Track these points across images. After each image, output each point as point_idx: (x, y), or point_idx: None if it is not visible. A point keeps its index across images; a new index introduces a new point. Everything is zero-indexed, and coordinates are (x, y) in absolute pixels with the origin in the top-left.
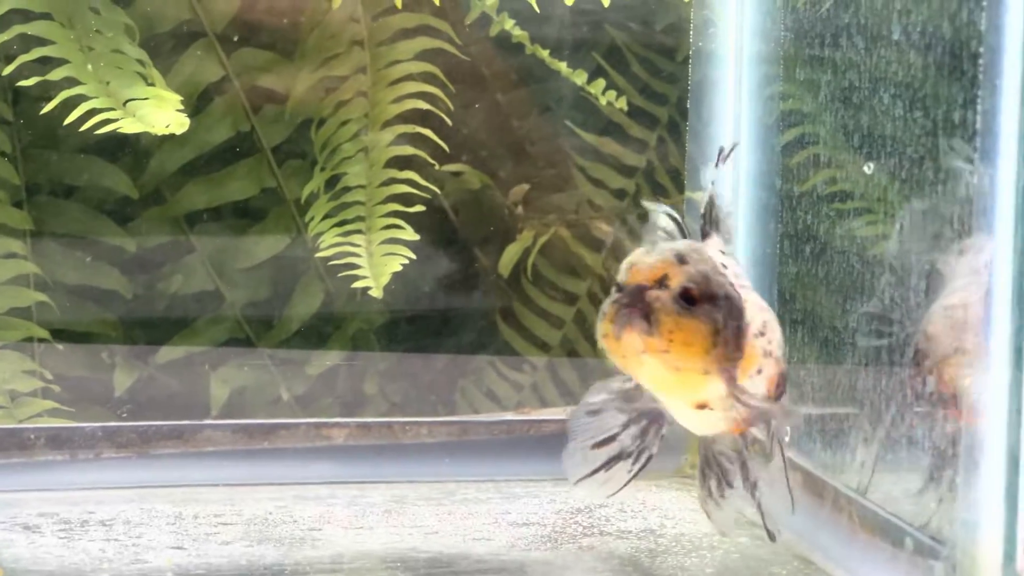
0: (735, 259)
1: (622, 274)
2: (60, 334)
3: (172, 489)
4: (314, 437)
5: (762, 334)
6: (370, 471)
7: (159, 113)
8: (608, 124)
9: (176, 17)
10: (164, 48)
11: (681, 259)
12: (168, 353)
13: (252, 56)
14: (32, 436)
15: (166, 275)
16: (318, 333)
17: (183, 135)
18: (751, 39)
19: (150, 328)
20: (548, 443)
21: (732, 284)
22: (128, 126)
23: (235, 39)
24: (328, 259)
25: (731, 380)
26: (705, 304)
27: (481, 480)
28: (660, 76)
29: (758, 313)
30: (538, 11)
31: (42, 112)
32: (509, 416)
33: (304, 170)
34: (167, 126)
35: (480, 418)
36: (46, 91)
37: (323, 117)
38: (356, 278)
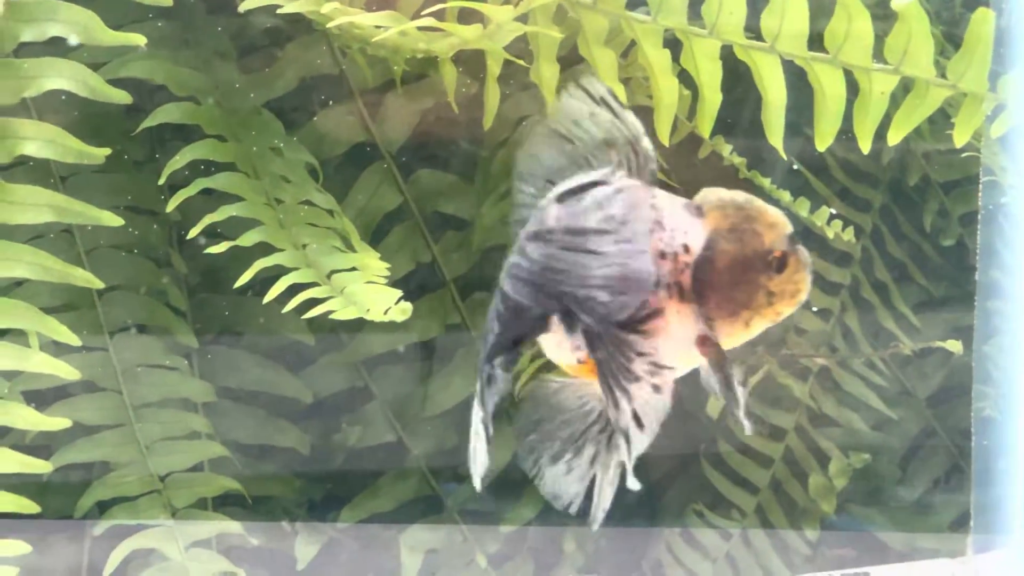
0: None
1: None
2: (235, 500)
3: None
4: None
5: None
6: None
7: (373, 294)
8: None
9: (349, 139)
10: (332, 173)
11: None
12: (350, 515)
13: (431, 179)
14: None
15: (343, 426)
16: (510, 484)
17: None
18: None
19: (329, 487)
20: None
21: None
22: (341, 311)
23: (412, 160)
24: None
25: None
26: None
27: None
28: (859, 178)
29: None
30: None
31: (236, 286)
32: None
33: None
34: (386, 312)
35: None
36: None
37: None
38: None
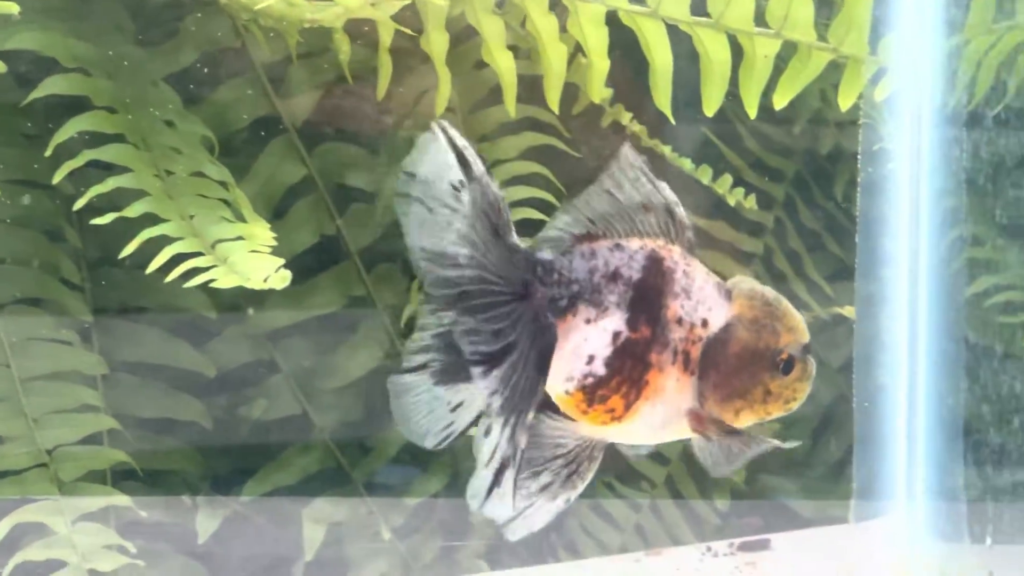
0: None
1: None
2: (135, 475)
3: None
4: None
5: None
6: None
7: (255, 262)
8: (717, 205)
9: (252, 112)
10: (238, 146)
11: None
12: (254, 488)
13: (335, 152)
14: None
15: (249, 400)
16: (417, 456)
17: None
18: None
19: (233, 460)
20: None
21: None
22: (222, 278)
23: (317, 134)
24: None
25: None
26: None
27: None
28: (773, 150)
29: None
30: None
31: (120, 256)
32: None
33: (395, 275)
34: (265, 280)
35: None
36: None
37: None
38: None
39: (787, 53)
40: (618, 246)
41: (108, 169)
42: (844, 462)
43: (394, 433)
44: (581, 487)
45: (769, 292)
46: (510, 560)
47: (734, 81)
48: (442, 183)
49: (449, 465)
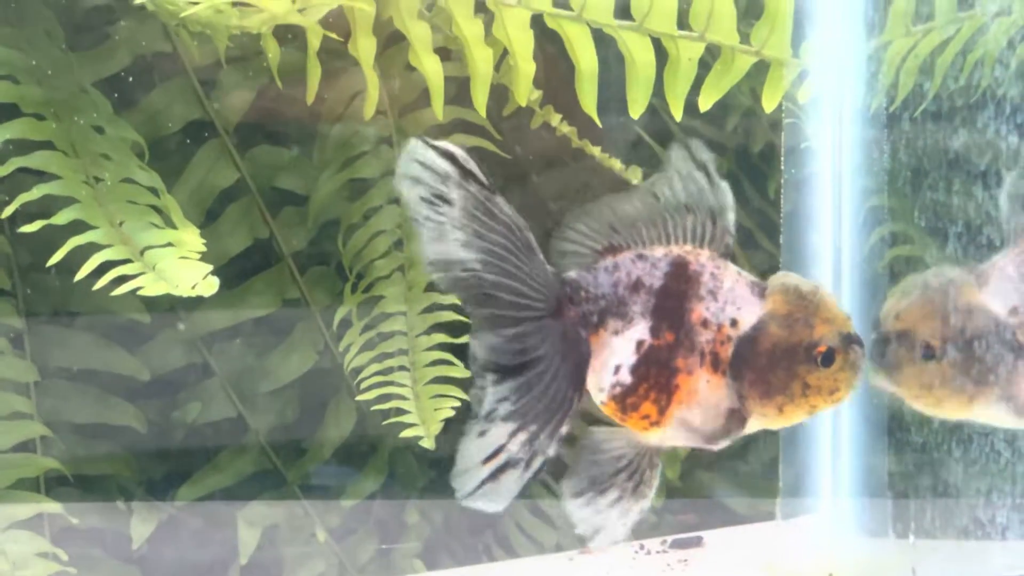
0: None
1: None
2: (68, 481)
3: None
4: None
5: None
6: None
7: (183, 270)
8: None
9: (184, 116)
10: (171, 150)
11: None
12: (188, 492)
13: (268, 155)
14: None
15: (183, 403)
16: (353, 457)
17: None
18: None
19: (168, 464)
20: None
21: None
22: (149, 286)
23: (249, 138)
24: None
25: None
26: None
27: None
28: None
29: None
30: (600, 124)
31: (48, 264)
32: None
33: (329, 277)
34: (193, 287)
35: None
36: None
37: (352, 224)
38: (402, 425)
39: (711, 55)
40: (641, 256)
41: (39, 176)
42: (776, 459)
43: (329, 435)
44: (650, 495)
45: (806, 285)
46: (446, 560)
47: (661, 82)
48: (416, 201)
49: (384, 466)
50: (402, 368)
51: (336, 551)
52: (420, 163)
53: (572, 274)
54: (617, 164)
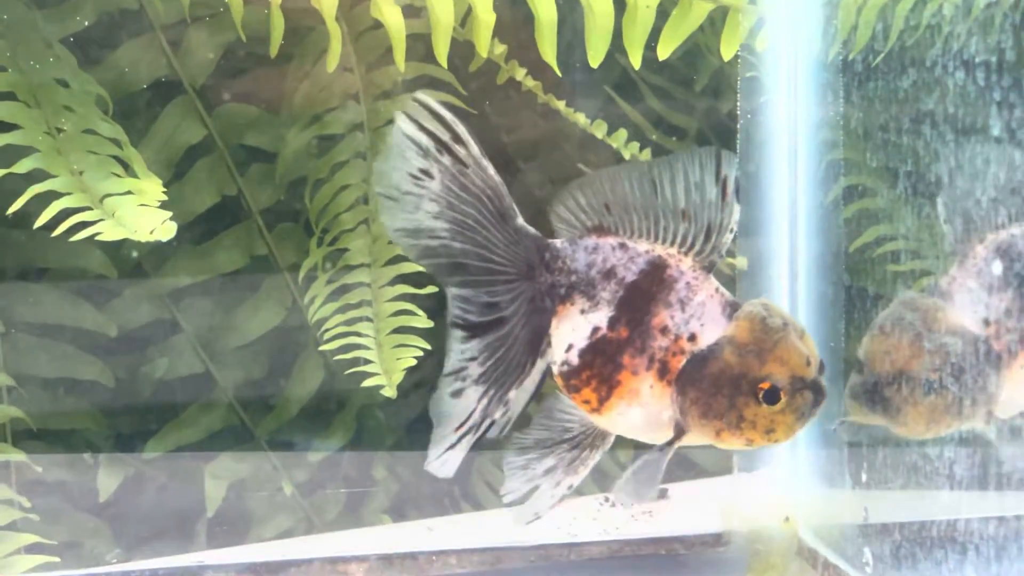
0: None
1: None
2: (36, 434)
3: None
4: (330, 574)
5: None
6: None
7: (142, 216)
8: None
9: (151, 74)
10: (139, 108)
11: None
12: (156, 446)
13: (236, 112)
14: None
15: (150, 359)
16: (320, 413)
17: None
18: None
19: (136, 419)
20: (592, 569)
21: None
22: (108, 231)
23: (216, 95)
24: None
25: None
26: None
27: None
28: (675, 107)
29: None
30: (560, 73)
31: (7, 213)
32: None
33: (297, 234)
34: (151, 232)
35: (516, 543)
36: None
37: (319, 179)
38: (365, 374)
39: (669, 3)
40: (623, 245)
41: (7, 129)
42: None
43: (296, 391)
44: (584, 473)
45: (775, 320)
46: (414, 514)
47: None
48: (401, 172)
49: (352, 422)
50: (365, 319)
51: (303, 505)
52: (407, 137)
53: (556, 242)
54: (582, 118)
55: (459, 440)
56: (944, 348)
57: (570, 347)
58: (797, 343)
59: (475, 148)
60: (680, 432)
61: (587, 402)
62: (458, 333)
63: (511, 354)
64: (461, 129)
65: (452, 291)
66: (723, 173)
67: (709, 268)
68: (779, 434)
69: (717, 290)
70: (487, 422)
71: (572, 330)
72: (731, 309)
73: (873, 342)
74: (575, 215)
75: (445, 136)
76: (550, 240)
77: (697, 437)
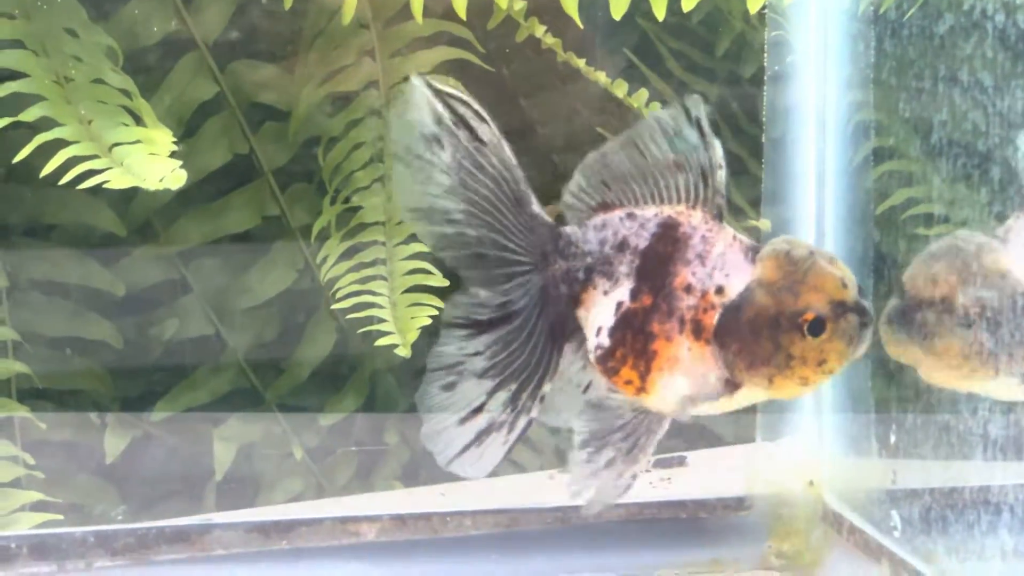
0: None
1: None
2: (43, 394)
3: None
4: (340, 534)
5: None
6: (406, 571)
7: (151, 164)
8: None
9: (163, 29)
10: (150, 64)
11: None
12: (164, 408)
13: (249, 70)
14: (13, 545)
15: (159, 320)
16: (332, 377)
17: None
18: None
19: (144, 381)
20: (609, 533)
21: None
22: (116, 179)
23: (229, 51)
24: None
25: None
26: None
27: None
28: (696, 71)
29: None
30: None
31: (15, 160)
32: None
33: (310, 194)
34: (161, 180)
35: (531, 505)
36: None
37: (333, 137)
38: (379, 333)
39: None
40: (631, 215)
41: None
42: None
43: (307, 354)
44: (643, 461)
45: (799, 250)
46: (426, 479)
47: None
48: (414, 137)
49: (365, 386)
50: (380, 278)
51: (313, 469)
52: (419, 102)
53: (567, 228)
54: (602, 76)
55: (479, 438)
56: (991, 286)
57: (599, 330)
58: (828, 268)
59: (494, 128)
60: (733, 388)
61: (629, 382)
62: (460, 332)
63: (530, 347)
64: (479, 107)
65: (465, 293)
66: (694, 115)
67: (720, 216)
68: (832, 363)
69: (735, 237)
70: (522, 420)
71: (599, 313)
72: (753, 253)
73: (920, 266)
74: (578, 199)
75: (461, 109)
76: (562, 228)
77: (751, 392)
